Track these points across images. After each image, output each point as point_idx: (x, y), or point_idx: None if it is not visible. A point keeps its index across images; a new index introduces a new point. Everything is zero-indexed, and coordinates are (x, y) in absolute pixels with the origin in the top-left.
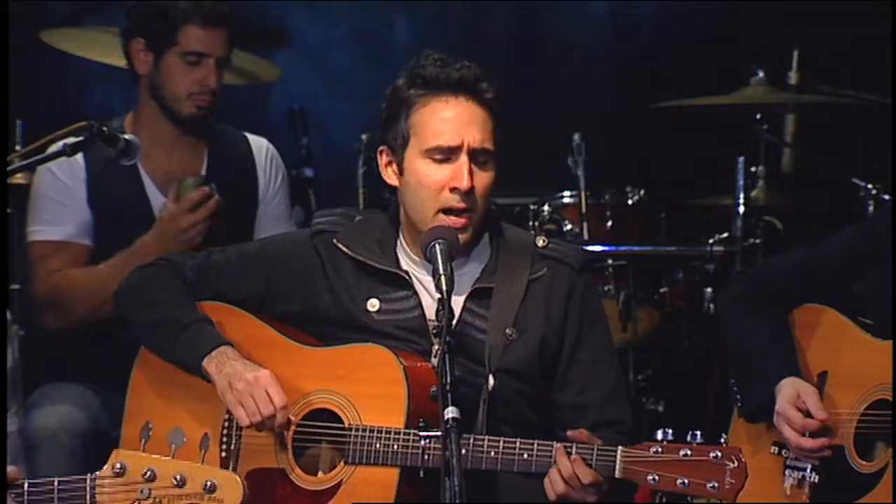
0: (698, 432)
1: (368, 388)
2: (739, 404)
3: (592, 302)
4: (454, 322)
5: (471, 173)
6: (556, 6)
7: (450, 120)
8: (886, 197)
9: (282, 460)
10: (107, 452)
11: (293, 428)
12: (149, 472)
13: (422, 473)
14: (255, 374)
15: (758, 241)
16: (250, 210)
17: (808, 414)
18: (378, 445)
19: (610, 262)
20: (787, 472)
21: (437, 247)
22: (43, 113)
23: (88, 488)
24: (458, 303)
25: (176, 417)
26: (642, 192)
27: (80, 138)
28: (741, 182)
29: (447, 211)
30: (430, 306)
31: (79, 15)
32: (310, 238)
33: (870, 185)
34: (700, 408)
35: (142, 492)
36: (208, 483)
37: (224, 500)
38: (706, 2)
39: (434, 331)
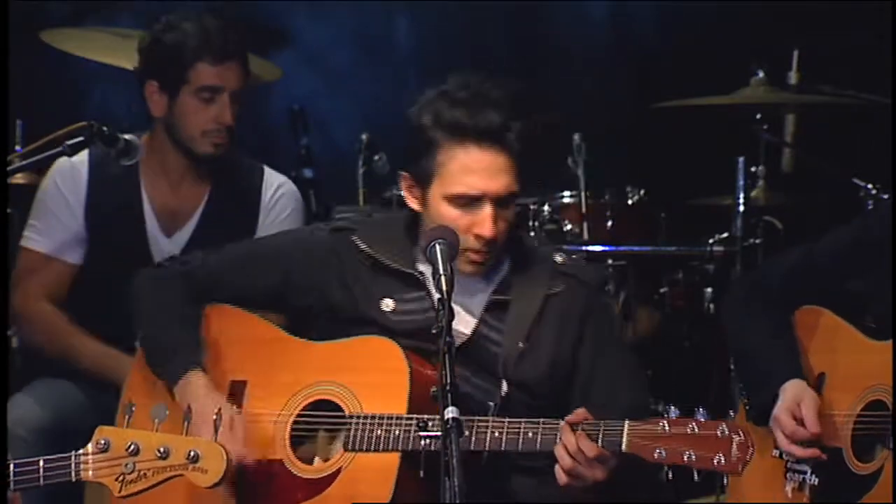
0: (702, 409)
1: (370, 377)
2: (748, 407)
3: (610, 321)
4: (471, 333)
5: (494, 221)
6: (556, 6)
7: (474, 171)
8: (886, 197)
9: (280, 451)
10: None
11: (291, 419)
12: (132, 446)
13: (422, 473)
14: (207, 431)
15: (758, 241)
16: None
17: (802, 423)
18: (379, 432)
19: (610, 262)
20: (788, 475)
21: (437, 247)
22: (43, 113)
23: (73, 465)
24: (475, 315)
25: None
26: (642, 192)
27: (80, 138)
28: (741, 182)
29: (467, 250)
30: None
31: (79, 15)
32: (328, 234)
33: (870, 185)
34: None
35: (126, 465)
36: (191, 453)
37: (208, 470)
38: (706, 2)
39: (434, 331)
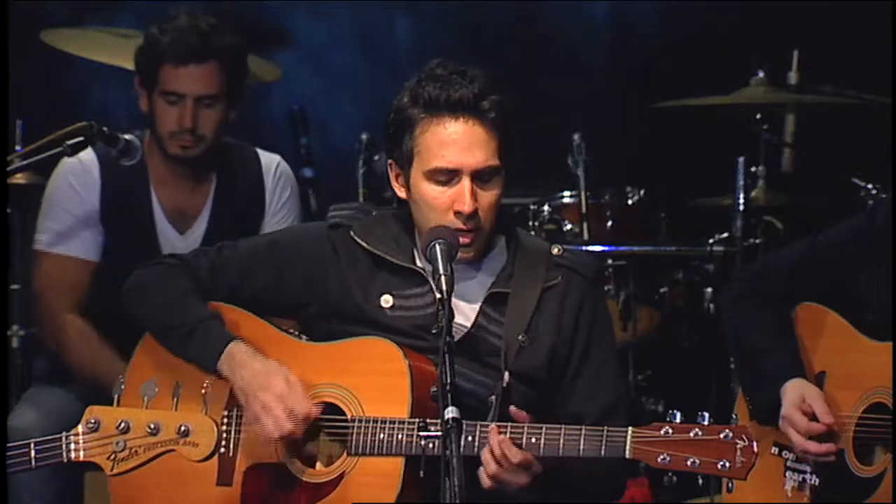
0: (706, 413)
1: (371, 379)
2: (751, 407)
3: (602, 313)
4: (471, 326)
5: (473, 195)
6: (556, 6)
7: (449, 143)
8: (885, 196)
9: (282, 454)
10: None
11: None
12: (122, 424)
13: (422, 473)
14: (266, 397)
15: (758, 241)
16: (255, 232)
17: (813, 417)
18: (382, 435)
19: (610, 262)
20: (787, 473)
21: (438, 247)
22: (43, 113)
23: (64, 446)
24: (474, 307)
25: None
26: (642, 192)
27: (80, 138)
28: (741, 182)
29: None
30: None
31: (79, 15)
32: (325, 231)
33: (870, 185)
34: (700, 408)
35: (117, 444)
36: (182, 427)
37: (199, 444)
38: (706, 1)
39: (434, 331)
